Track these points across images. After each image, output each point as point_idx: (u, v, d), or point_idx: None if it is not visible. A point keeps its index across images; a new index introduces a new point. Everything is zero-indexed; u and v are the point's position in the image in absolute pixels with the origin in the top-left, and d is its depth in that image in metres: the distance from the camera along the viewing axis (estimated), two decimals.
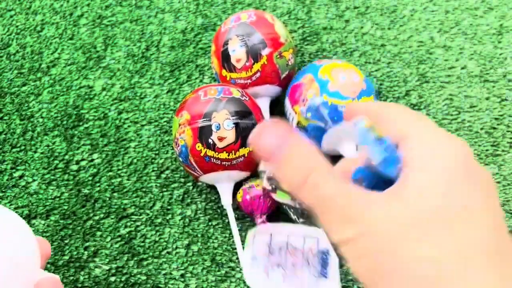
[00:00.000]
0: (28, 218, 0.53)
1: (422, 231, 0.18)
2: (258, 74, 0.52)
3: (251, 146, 0.21)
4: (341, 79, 0.49)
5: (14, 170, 0.56)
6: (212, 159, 0.47)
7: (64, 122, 0.59)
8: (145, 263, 0.50)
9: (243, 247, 0.50)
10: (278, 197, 0.47)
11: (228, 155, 0.47)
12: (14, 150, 0.58)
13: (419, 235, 0.18)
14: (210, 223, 0.52)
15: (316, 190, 0.20)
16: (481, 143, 0.55)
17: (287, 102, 0.53)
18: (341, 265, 0.46)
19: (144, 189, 0.54)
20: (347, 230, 0.19)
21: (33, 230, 0.53)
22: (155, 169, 0.56)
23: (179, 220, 0.52)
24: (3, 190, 0.55)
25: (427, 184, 0.19)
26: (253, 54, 0.52)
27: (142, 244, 0.51)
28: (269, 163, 0.21)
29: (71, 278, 0.50)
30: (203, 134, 0.47)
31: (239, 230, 0.50)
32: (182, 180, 0.55)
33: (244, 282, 0.48)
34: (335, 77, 0.49)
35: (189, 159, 0.48)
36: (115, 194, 0.54)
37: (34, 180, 0.56)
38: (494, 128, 0.56)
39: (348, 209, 0.19)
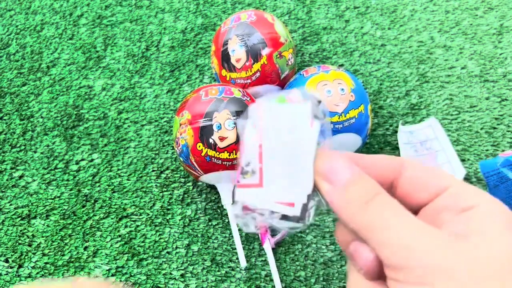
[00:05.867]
0: (28, 218, 0.53)
1: (497, 284, 0.18)
2: (258, 74, 0.52)
3: (316, 172, 0.21)
4: (327, 94, 0.48)
5: (14, 170, 0.56)
6: (213, 159, 0.47)
7: (64, 122, 0.59)
8: (145, 263, 0.50)
9: (243, 245, 0.50)
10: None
11: (229, 155, 0.47)
12: (14, 150, 0.58)
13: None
14: (210, 223, 0.52)
15: (379, 215, 0.19)
16: (481, 143, 0.55)
17: None
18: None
19: (144, 189, 0.54)
20: (405, 270, 0.18)
21: (33, 230, 0.52)
22: (155, 169, 0.56)
23: (179, 220, 0.52)
24: (3, 190, 0.55)
25: (499, 236, 0.18)
26: (253, 54, 0.52)
27: (142, 244, 0.51)
28: (329, 183, 0.21)
29: (71, 278, 0.49)
30: (204, 134, 0.47)
31: (239, 230, 0.50)
32: (182, 180, 0.55)
33: (244, 282, 0.48)
34: (320, 92, 0.48)
35: (190, 158, 0.48)
36: (115, 194, 0.54)
37: (34, 180, 0.56)
38: (494, 128, 0.56)
39: (410, 249, 0.18)
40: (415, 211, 0.22)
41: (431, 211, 0.21)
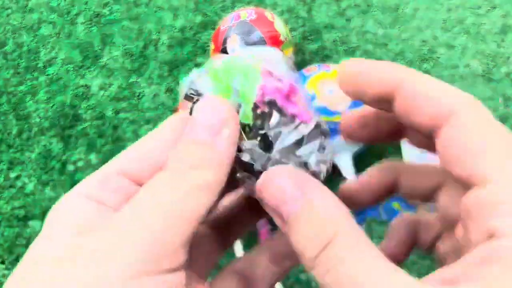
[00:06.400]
0: (25, 219, 0.52)
1: None
2: None
3: (259, 193, 0.16)
4: (328, 93, 0.47)
5: (10, 171, 0.56)
6: None
7: (61, 122, 0.58)
8: None
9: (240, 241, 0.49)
10: None
11: None
12: (10, 150, 0.57)
13: None
14: None
15: (336, 266, 0.14)
16: None
17: None
18: None
19: None
20: None
21: (30, 231, 0.52)
22: None
23: None
24: (0, 191, 0.54)
25: None
26: None
27: None
28: (277, 216, 0.15)
29: None
30: None
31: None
32: None
33: None
34: (321, 90, 0.47)
35: None
36: None
37: (30, 181, 0.55)
38: None
39: None
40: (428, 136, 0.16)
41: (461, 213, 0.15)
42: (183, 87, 0.18)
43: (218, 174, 0.16)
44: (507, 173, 0.13)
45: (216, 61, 0.18)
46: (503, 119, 0.56)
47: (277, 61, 0.18)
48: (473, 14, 0.64)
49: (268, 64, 0.17)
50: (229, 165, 0.16)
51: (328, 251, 0.14)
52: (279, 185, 0.16)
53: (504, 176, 0.13)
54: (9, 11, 0.67)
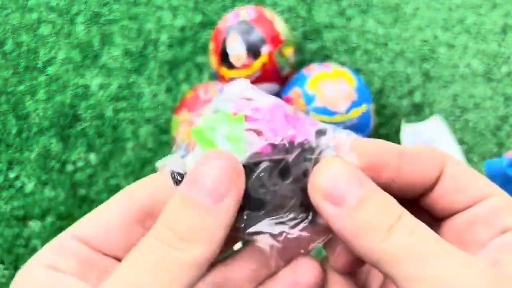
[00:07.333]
0: (24, 219, 0.52)
1: None
2: (258, 73, 0.51)
3: (313, 183, 0.16)
4: (328, 93, 0.47)
5: (10, 171, 0.56)
6: None
7: (61, 122, 0.58)
8: None
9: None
10: None
11: None
12: (10, 150, 0.57)
13: None
14: None
15: (409, 244, 0.15)
16: (485, 142, 0.54)
17: None
18: None
19: None
20: None
21: (29, 232, 0.52)
22: (153, 169, 0.55)
23: None
24: None
25: None
26: (253, 52, 0.51)
27: None
28: (333, 203, 0.15)
29: None
30: None
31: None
32: None
33: None
34: (322, 90, 0.47)
35: None
36: (112, 195, 0.53)
37: (30, 181, 0.55)
38: (499, 128, 0.55)
39: (448, 279, 0.14)
40: (442, 218, 0.18)
41: (463, 221, 0.17)
42: (168, 164, 0.16)
43: (211, 248, 0.14)
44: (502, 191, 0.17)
45: (195, 122, 0.16)
46: (503, 119, 0.56)
47: (247, 89, 0.16)
48: (474, 13, 0.64)
49: (243, 102, 0.16)
50: (224, 238, 0.14)
51: (405, 218, 0.15)
52: (340, 174, 0.15)
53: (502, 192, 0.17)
54: (9, 10, 0.67)
